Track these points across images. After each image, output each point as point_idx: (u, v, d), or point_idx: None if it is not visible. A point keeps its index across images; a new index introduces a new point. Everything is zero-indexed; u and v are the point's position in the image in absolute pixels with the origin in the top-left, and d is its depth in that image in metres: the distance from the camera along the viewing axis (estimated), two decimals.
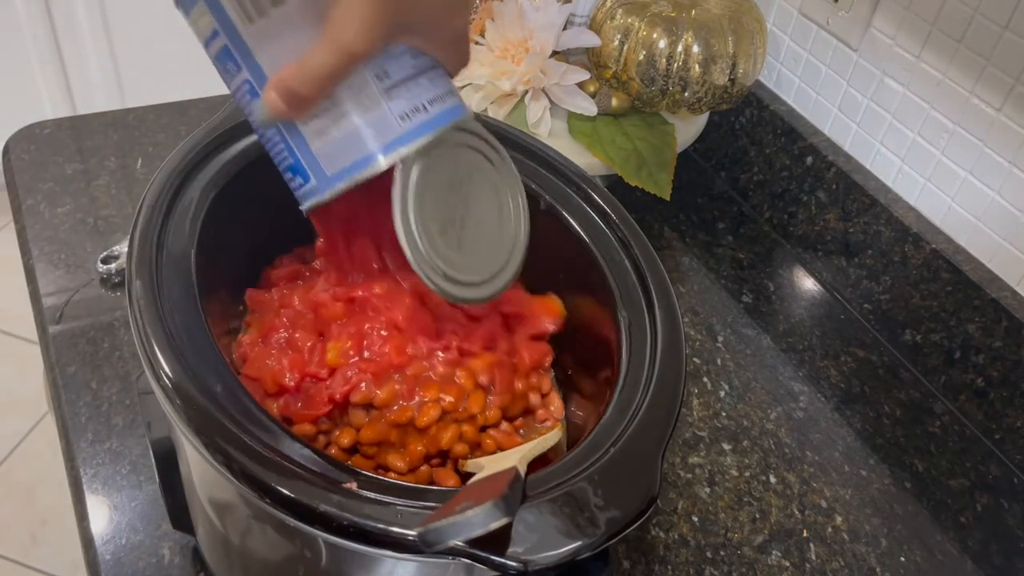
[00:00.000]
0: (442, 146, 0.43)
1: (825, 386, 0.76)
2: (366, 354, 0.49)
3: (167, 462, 0.49)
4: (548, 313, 0.54)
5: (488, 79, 0.79)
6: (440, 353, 0.50)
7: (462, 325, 0.51)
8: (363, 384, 0.48)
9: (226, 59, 0.41)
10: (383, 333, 0.49)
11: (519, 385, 0.52)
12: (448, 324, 0.51)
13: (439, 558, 0.37)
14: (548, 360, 0.54)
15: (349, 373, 0.48)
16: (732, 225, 0.90)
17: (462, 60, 0.43)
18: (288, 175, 0.43)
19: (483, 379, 0.50)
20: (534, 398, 0.53)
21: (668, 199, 0.79)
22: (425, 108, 0.41)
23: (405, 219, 0.42)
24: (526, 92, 0.80)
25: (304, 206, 0.44)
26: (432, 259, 0.44)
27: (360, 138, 0.40)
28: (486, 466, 0.42)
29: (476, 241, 0.47)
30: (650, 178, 0.79)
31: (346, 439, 0.48)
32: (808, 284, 0.86)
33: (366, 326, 0.49)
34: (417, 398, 0.48)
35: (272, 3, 0.39)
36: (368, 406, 0.48)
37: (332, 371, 0.48)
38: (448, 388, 0.49)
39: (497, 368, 0.51)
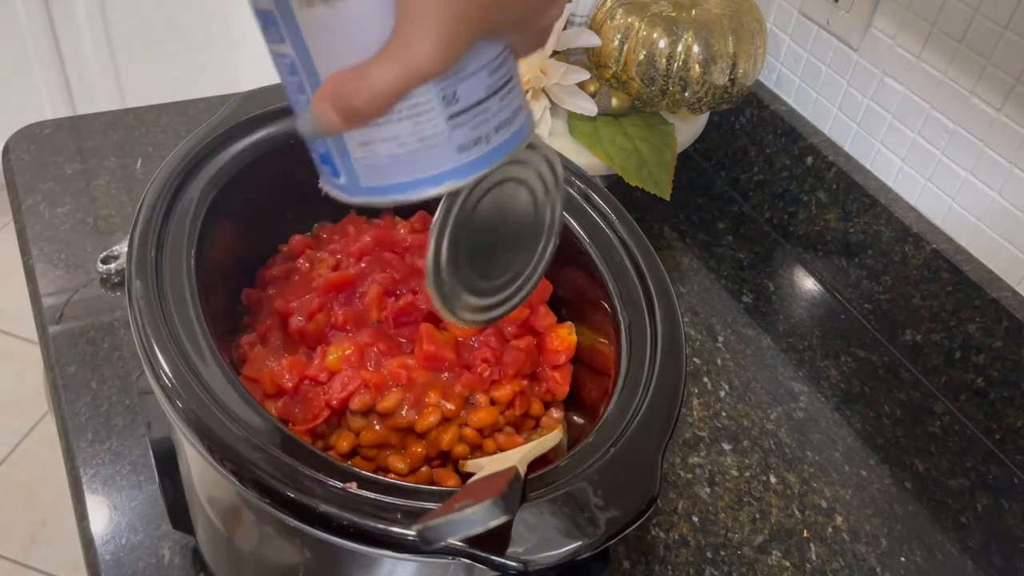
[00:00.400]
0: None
1: (825, 386, 0.76)
2: (369, 366, 0.49)
3: (167, 462, 0.49)
4: (562, 346, 0.53)
5: None
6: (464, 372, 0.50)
7: (493, 349, 0.51)
8: (362, 391, 0.48)
9: (268, 22, 0.35)
10: (397, 385, 0.48)
11: (535, 408, 0.52)
12: (480, 351, 0.51)
13: (439, 558, 0.37)
14: (565, 392, 0.54)
15: (347, 379, 0.48)
16: (732, 225, 0.90)
17: (541, 44, 0.38)
18: (315, 157, 0.39)
19: (502, 404, 0.50)
20: (539, 408, 0.53)
21: (668, 199, 0.79)
22: (488, 139, 0.36)
23: (437, 254, 0.39)
24: (526, 92, 0.80)
25: (324, 188, 0.39)
26: (453, 293, 0.41)
27: (409, 163, 0.36)
28: (486, 466, 0.42)
29: (503, 264, 0.43)
30: (650, 178, 0.79)
31: (345, 444, 0.47)
32: (808, 284, 0.86)
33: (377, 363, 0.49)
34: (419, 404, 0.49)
35: None
36: (367, 412, 0.48)
37: (332, 374, 0.48)
38: (450, 395, 0.49)
39: (519, 396, 0.51)
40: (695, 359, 0.76)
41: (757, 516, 0.65)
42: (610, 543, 0.38)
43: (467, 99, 0.35)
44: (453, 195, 0.38)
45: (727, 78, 0.79)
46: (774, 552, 0.63)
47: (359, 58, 0.33)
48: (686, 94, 0.79)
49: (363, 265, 0.53)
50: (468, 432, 0.49)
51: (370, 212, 0.58)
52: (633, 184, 0.78)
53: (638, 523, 0.39)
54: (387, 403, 0.47)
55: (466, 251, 0.40)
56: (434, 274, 0.39)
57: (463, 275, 0.41)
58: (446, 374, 0.49)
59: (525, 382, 0.52)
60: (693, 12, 0.79)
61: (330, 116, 0.33)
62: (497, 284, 0.44)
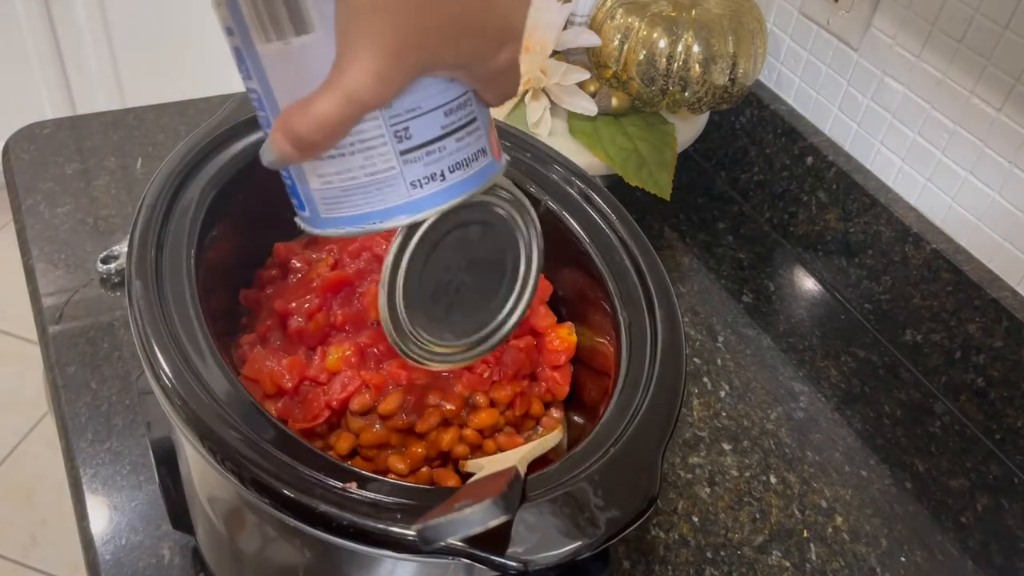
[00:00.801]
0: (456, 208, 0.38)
1: (825, 386, 0.76)
2: (369, 367, 0.49)
3: (167, 462, 0.49)
4: (562, 346, 0.53)
5: None
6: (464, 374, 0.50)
7: (494, 352, 0.51)
8: (362, 391, 0.48)
9: (238, 59, 0.37)
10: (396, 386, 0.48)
11: (535, 408, 0.52)
12: None
13: (439, 558, 0.37)
14: (565, 392, 0.54)
15: (347, 380, 0.48)
16: (732, 225, 0.90)
17: (509, 92, 0.38)
18: (287, 191, 0.40)
19: (502, 405, 0.50)
20: (539, 409, 0.53)
21: (668, 199, 0.79)
22: (443, 176, 0.36)
23: (392, 288, 0.39)
24: (526, 92, 0.80)
25: (300, 225, 0.41)
26: (412, 332, 0.40)
27: (362, 196, 0.36)
28: (486, 466, 0.42)
29: (470, 304, 0.43)
30: (650, 178, 0.79)
31: (345, 444, 0.47)
32: (808, 284, 0.86)
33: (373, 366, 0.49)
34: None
35: (295, 31, 0.34)
36: (367, 413, 0.48)
37: (332, 375, 0.48)
38: (450, 396, 0.49)
39: (519, 396, 0.51)
40: (695, 359, 0.76)
41: (757, 516, 0.65)
42: (610, 543, 0.38)
43: (420, 136, 0.35)
44: (410, 230, 0.38)
45: (727, 78, 0.79)
46: (774, 552, 0.63)
47: (312, 91, 0.34)
48: (686, 94, 0.79)
49: (361, 263, 0.53)
50: (468, 433, 0.49)
51: None
52: (633, 184, 0.78)
53: (638, 523, 0.39)
54: (388, 405, 0.47)
55: (427, 289, 0.40)
56: (388, 308, 0.39)
57: (424, 316, 0.40)
58: (446, 375, 0.49)
59: (525, 382, 0.52)
60: (693, 12, 0.79)
61: (284, 146, 0.34)
62: (467, 322, 0.43)
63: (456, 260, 0.41)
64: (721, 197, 0.94)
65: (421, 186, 0.36)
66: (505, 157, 0.40)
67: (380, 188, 0.36)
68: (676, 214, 0.90)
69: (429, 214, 0.37)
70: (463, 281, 0.42)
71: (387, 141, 0.35)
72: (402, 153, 0.35)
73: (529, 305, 0.44)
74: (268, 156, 0.35)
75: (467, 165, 0.37)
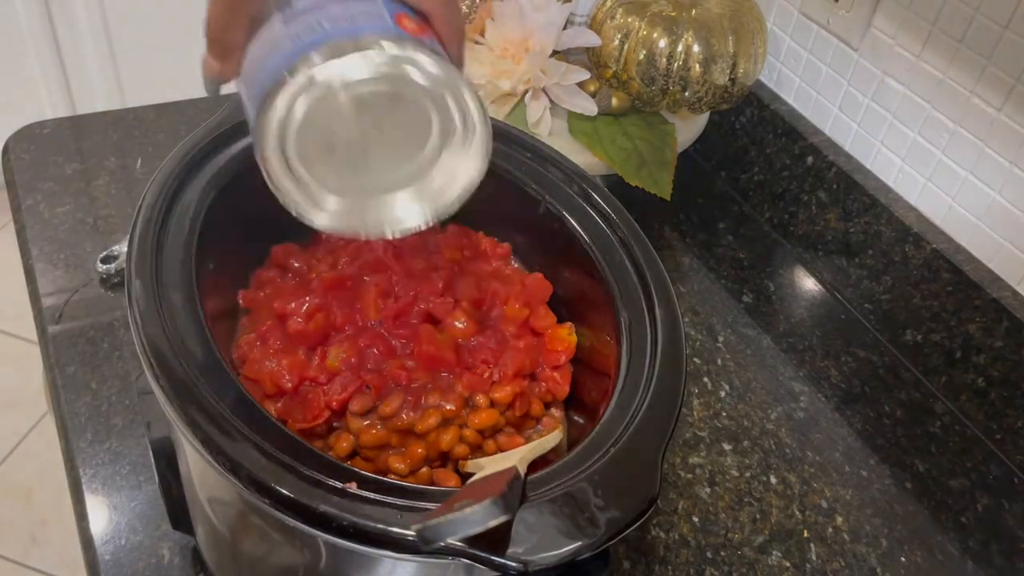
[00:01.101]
0: (353, 70, 0.37)
1: (825, 386, 0.76)
2: (369, 367, 0.49)
3: (167, 462, 0.49)
4: (562, 346, 0.53)
5: (488, 79, 0.79)
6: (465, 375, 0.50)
7: (493, 350, 0.51)
8: (362, 392, 0.48)
9: None
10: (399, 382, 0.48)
11: (535, 408, 0.52)
12: (480, 352, 0.51)
13: (439, 558, 0.37)
14: (566, 392, 0.54)
15: (346, 380, 0.48)
16: (732, 225, 0.90)
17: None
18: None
19: (502, 405, 0.50)
20: (539, 408, 0.53)
21: (668, 199, 0.79)
22: (322, 27, 0.37)
23: (265, 125, 0.37)
24: (526, 92, 0.80)
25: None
26: (298, 172, 0.38)
27: (262, 72, 0.38)
28: (486, 466, 0.42)
29: (382, 168, 0.40)
30: (650, 178, 0.79)
31: (345, 444, 0.47)
32: (808, 284, 0.86)
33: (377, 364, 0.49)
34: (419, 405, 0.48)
35: None
36: (367, 413, 0.48)
37: (332, 375, 0.48)
38: (450, 396, 0.49)
39: (519, 397, 0.51)
40: (695, 359, 0.76)
41: (757, 516, 0.65)
42: (610, 543, 0.38)
43: (301, 3, 0.38)
44: (286, 81, 0.37)
45: (727, 78, 0.79)
46: (774, 552, 0.63)
47: None
48: (686, 94, 0.79)
49: (360, 263, 0.53)
50: (468, 433, 0.49)
51: None
52: (633, 184, 0.78)
53: (638, 523, 0.39)
54: (388, 407, 0.47)
55: (319, 140, 0.38)
56: (267, 146, 0.37)
57: (320, 164, 0.39)
58: (446, 375, 0.49)
59: (525, 382, 0.52)
60: (693, 12, 0.78)
61: (206, 59, 0.40)
62: (378, 181, 0.40)
63: (357, 119, 0.38)
64: (721, 197, 0.94)
65: (302, 37, 0.37)
66: (429, 42, 0.38)
67: (273, 56, 0.38)
68: (676, 214, 0.90)
69: (312, 57, 0.36)
70: (371, 140, 0.39)
71: (273, 15, 0.39)
72: (286, 20, 0.38)
73: (484, 158, 0.40)
74: (202, 80, 0.41)
75: (352, 20, 0.38)
